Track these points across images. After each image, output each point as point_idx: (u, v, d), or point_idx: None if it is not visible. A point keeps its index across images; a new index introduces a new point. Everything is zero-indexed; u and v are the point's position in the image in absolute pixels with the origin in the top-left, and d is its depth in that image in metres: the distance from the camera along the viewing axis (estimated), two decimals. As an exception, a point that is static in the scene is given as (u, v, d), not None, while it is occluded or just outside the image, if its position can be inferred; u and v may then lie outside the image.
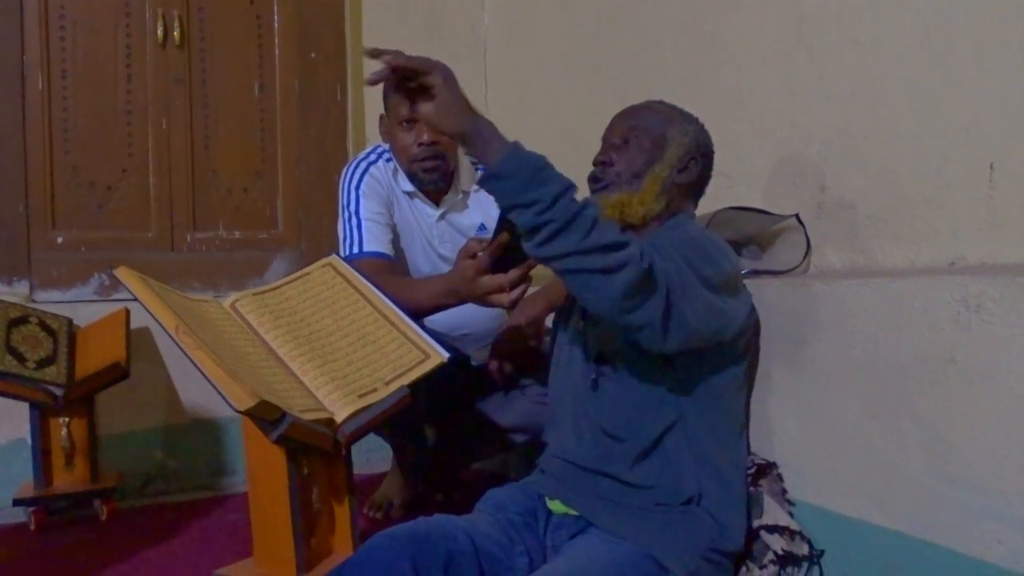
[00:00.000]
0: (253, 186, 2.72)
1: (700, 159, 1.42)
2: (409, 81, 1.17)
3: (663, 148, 1.39)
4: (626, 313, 1.13)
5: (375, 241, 1.86)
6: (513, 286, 1.41)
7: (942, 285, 1.23)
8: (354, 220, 1.87)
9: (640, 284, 1.11)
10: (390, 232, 1.91)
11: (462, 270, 1.45)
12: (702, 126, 1.46)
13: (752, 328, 1.43)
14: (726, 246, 1.35)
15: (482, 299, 1.45)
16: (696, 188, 1.46)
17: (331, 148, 2.77)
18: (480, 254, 1.42)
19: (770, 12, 1.87)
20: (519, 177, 1.10)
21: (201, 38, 2.63)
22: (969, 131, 1.47)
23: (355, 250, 1.85)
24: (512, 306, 1.45)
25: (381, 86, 1.83)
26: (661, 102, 1.47)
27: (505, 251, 1.39)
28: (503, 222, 1.37)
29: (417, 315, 1.56)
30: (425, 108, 1.16)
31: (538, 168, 1.12)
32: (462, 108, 1.15)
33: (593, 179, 1.41)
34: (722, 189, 1.88)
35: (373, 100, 2.69)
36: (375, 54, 1.16)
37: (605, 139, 1.45)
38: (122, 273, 1.44)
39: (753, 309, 1.41)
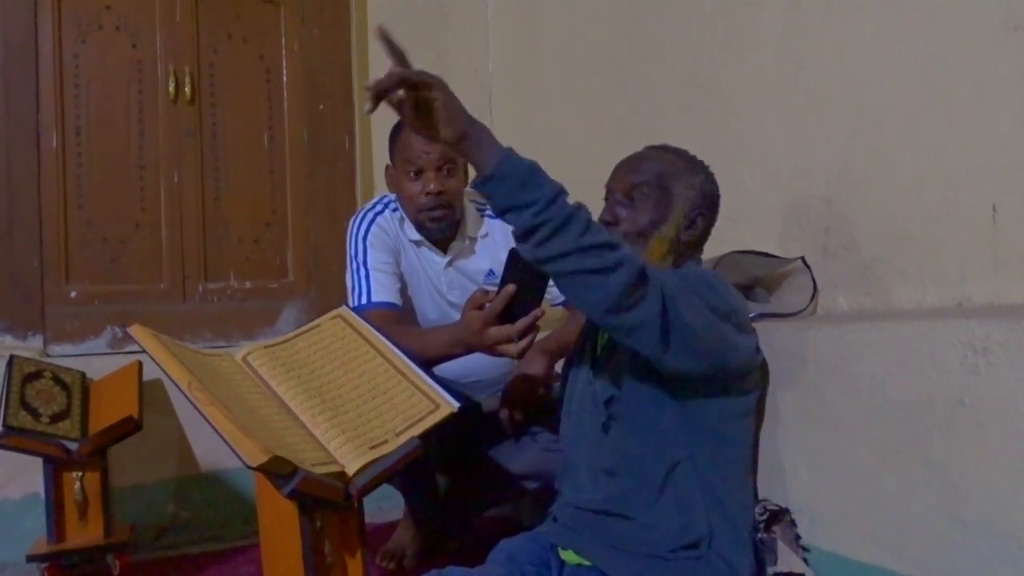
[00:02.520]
0: (263, 236, 2.75)
1: (707, 212, 1.42)
2: (410, 91, 1.19)
3: (669, 207, 1.39)
4: (624, 311, 1.14)
5: (383, 291, 1.88)
6: (521, 336, 1.42)
7: (948, 328, 1.23)
8: (362, 270, 1.90)
9: (637, 282, 1.14)
10: (398, 281, 1.93)
11: (469, 321, 1.46)
12: (708, 174, 1.44)
13: (759, 369, 1.44)
14: (733, 288, 1.36)
15: (490, 349, 1.46)
16: (702, 239, 1.46)
17: (340, 197, 2.80)
18: (487, 305, 1.43)
19: (770, 55, 1.89)
20: (515, 178, 1.14)
21: (212, 93, 2.68)
22: (971, 172, 1.48)
23: (363, 300, 1.87)
24: (521, 355, 1.46)
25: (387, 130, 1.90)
26: (665, 148, 1.46)
27: (512, 301, 1.41)
28: (509, 272, 1.39)
29: (426, 365, 1.57)
30: (423, 119, 1.19)
31: (533, 171, 1.15)
32: (462, 113, 1.19)
33: None
34: (727, 231, 1.89)
35: (380, 150, 2.72)
36: (384, 35, 1.18)
37: (609, 190, 1.44)
38: (135, 331, 1.46)
39: (759, 350, 1.41)
